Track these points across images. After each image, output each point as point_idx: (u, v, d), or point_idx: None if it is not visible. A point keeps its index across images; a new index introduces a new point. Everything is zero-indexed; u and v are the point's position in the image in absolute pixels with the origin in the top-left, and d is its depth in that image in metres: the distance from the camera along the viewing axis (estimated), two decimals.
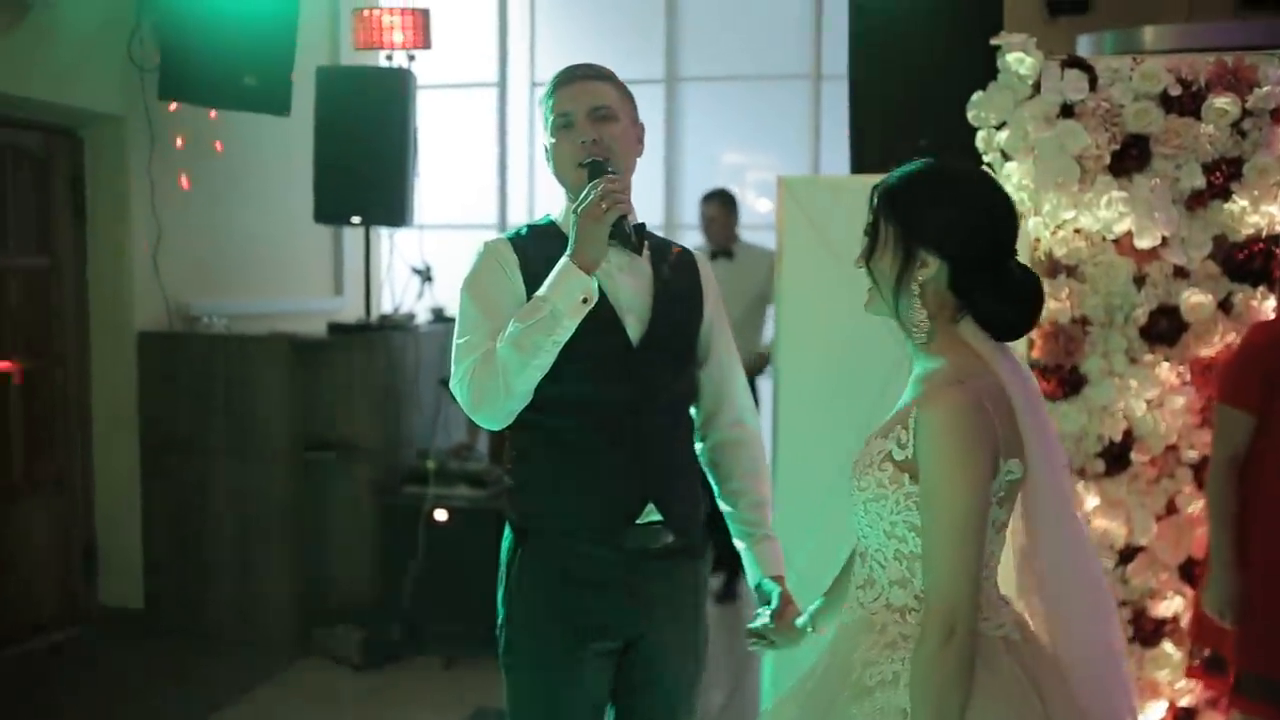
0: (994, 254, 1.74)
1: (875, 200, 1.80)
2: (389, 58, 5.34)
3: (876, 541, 1.77)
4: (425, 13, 5.35)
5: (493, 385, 2.02)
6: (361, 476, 4.98)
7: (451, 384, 2.11)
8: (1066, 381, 3.19)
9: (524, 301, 2.08)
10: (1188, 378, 3.15)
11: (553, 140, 2.17)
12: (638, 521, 2.13)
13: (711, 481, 2.35)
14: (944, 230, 1.72)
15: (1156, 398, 3.15)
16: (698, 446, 2.34)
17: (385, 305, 5.91)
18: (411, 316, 5.49)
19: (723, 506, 2.34)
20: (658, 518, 2.15)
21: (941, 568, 1.65)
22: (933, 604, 1.65)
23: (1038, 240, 3.23)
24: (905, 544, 1.73)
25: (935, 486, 1.65)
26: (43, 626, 4.90)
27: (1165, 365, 3.14)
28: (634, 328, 2.15)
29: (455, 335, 2.14)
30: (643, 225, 2.20)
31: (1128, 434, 3.17)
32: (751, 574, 2.28)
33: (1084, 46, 4.92)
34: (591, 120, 2.14)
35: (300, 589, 4.98)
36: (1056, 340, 3.20)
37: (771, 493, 2.37)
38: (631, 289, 2.17)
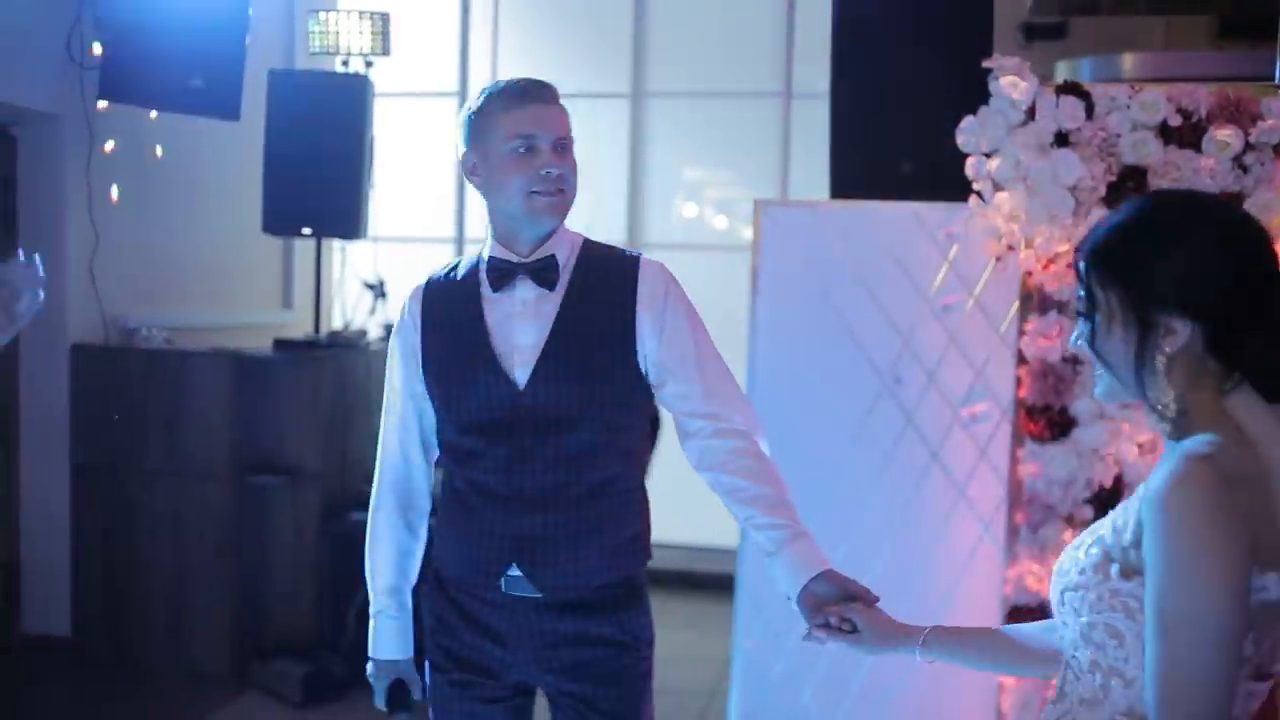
0: (1259, 294, 1.36)
1: (1082, 266, 1.44)
2: (345, 63, 5.13)
3: (1071, 642, 1.43)
4: (385, 17, 5.15)
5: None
6: (306, 501, 4.74)
7: None
8: (1055, 423, 3.05)
9: (417, 357, 2.11)
10: None
11: (500, 159, 2.01)
12: (509, 573, 2.06)
13: (729, 508, 2.05)
14: (1182, 280, 1.35)
15: (1148, 441, 3.01)
16: (704, 477, 2.07)
17: (336, 321, 5.69)
18: (363, 334, 5.27)
19: (744, 527, 2.03)
20: (520, 573, 2.05)
21: (1185, 694, 1.26)
22: None
23: (1028, 274, 3.08)
24: (1104, 653, 1.38)
25: (1178, 590, 1.27)
26: None
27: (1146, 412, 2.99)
28: (521, 372, 2.03)
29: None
30: (553, 258, 2.06)
31: (1118, 479, 3.02)
32: (789, 582, 1.89)
33: (1062, 72, 4.82)
34: (556, 151, 2.01)
35: (239, 620, 4.73)
36: (1045, 380, 3.05)
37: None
38: (533, 326, 2.04)
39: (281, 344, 4.97)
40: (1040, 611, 3.10)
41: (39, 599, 4.85)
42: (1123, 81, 3.76)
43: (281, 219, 4.99)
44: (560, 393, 2.01)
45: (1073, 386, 3.03)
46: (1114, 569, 1.35)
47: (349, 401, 4.94)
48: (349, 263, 5.53)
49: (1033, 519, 3.05)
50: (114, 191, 4.85)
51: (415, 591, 2.20)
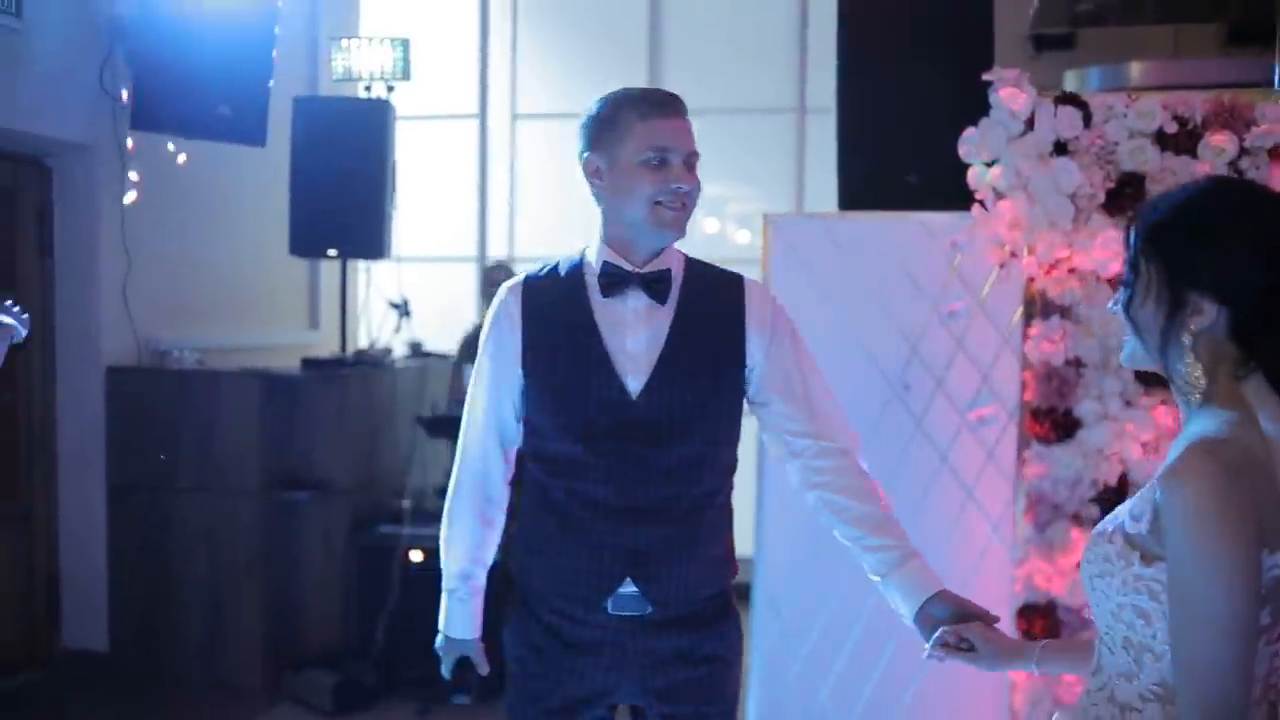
0: None
1: (1133, 235, 1.51)
2: (368, 88, 5.27)
3: (1104, 623, 1.50)
4: (405, 43, 5.28)
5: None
6: (335, 516, 4.85)
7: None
8: (1060, 425, 3.12)
9: (516, 356, 2.07)
10: None
11: (630, 168, 1.98)
12: (620, 590, 2.02)
13: (834, 527, 2.07)
14: (1219, 269, 1.42)
15: (1152, 441, 3.07)
16: (807, 497, 2.10)
17: (361, 340, 5.80)
18: (388, 351, 5.39)
19: (849, 545, 2.05)
20: (634, 590, 2.02)
21: (1203, 673, 1.34)
22: (1194, 714, 1.36)
23: (1031, 280, 3.16)
24: (1134, 631, 1.45)
25: (1190, 577, 1.35)
26: (2, 669, 4.74)
27: (1162, 408, 3.06)
28: (635, 380, 2.00)
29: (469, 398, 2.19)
30: (667, 271, 2.05)
31: (1123, 478, 3.09)
32: (904, 605, 1.94)
33: (1070, 82, 4.90)
34: (686, 166, 2.00)
35: (270, 632, 4.83)
36: (1050, 382, 3.12)
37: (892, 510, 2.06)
38: (646, 335, 2.02)
39: (309, 363, 5.09)
40: (1050, 609, 3.16)
41: (78, 615, 4.97)
42: (1130, 89, 3.84)
43: (308, 241, 5.12)
44: (672, 403, 2.00)
45: (1076, 389, 3.10)
46: (1136, 556, 1.42)
47: (376, 418, 5.05)
48: (374, 283, 5.65)
49: (1040, 519, 3.12)
50: (145, 218, 4.98)
51: (490, 575, 2.23)
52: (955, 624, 1.82)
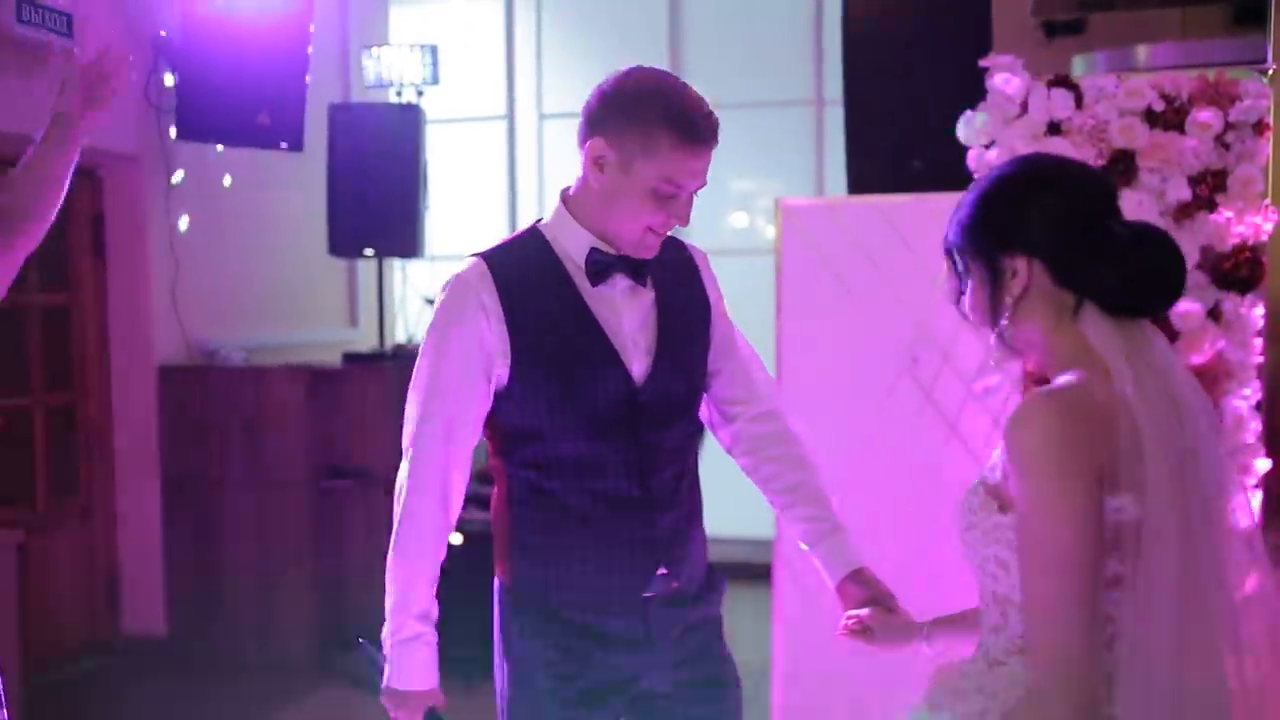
0: (1079, 220, 1.44)
1: (945, 243, 1.57)
2: (398, 94, 5.47)
3: (978, 578, 1.50)
4: (434, 49, 5.48)
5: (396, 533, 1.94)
6: (376, 501, 5.04)
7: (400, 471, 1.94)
8: None
9: (503, 351, 1.87)
10: None
11: (639, 188, 1.84)
12: (656, 575, 1.96)
13: (761, 489, 2.10)
14: (1016, 222, 1.46)
15: None
16: (739, 460, 2.10)
17: (399, 335, 6.00)
18: None
19: (777, 510, 2.10)
20: (664, 571, 1.97)
21: (1044, 615, 1.34)
22: (1037, 659, 1.34)
23: None
24: (998, 583, 1.45)
25: (1029, 515, 1.35)
26: (68, 656, 4.98)
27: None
28: (639, 365, 1.92)
29: (411, 394, 1.94)
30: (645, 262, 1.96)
31: None
32: (829, 577, 2.01)
33: (1078, 67, 5.02)
34: (689, 199, 1.90)
35: (320, 614, 5.05)
36: None
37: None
38: (639, 317, 1.95)
39: (350, 357, 5.30)
40: None
41: (136, 602, 5.21)
42: (1137, 71, 3.97)
43: (345, 242, 5.32)
44: (673, 385, 1.95)
45: None
46: (994, 505, 1.43)
47: None
48: (409, 280, 5.84)
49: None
50: (191, 224, 5.21)
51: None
52: (860, 606, 1.92)
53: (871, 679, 3.58)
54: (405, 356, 5.33)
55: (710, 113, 1.87)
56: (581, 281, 1.91)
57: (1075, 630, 1.32)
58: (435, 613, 1.94)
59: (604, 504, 1.91)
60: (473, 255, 1.95)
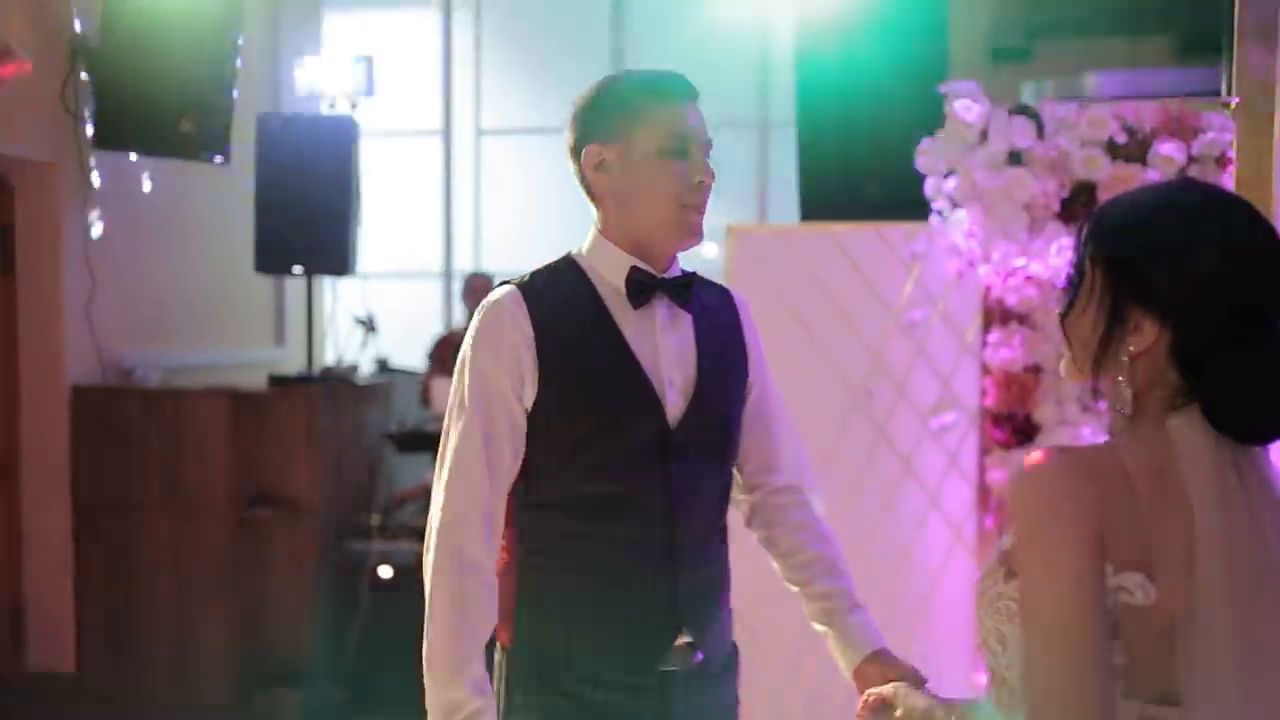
0: (1241, 320, 1.23)
1: (1085, 232, 1.34)
2: (332, 105, 5.28)
3: (985, 658, 1.36)
4: (369, 60, 5.30)
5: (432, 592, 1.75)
6: (302, 533, 4.85)
7: (431, 518, 1.77)
8: (1020, 430, 3.18)
9: (533, 379, 1.74)
10: None
11: (648, 161, 1.75)
12: (676, 643, 1.80)
13: (778, 565, 1.95)
14: (1168, 287, 1.25)
15: None
16: (757, 533, 1.97)
17: (328, 356, 5.80)
18: (355, 368, 5.39)
19: (791, 587, 1.93)
20: (688, 639, 1.80)
21: (1041, 688, 1.20)
22: None
23: (988, 288, 3.22)
24: (995, 660, 1.31)
25: (1025, 576, 1.23)
26: None
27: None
28: (674, 405, 1.77)
29: (447, 432, 1.78)
30: (691, 274, 1.83)
31: None
32: (845, 661, 1.82)
33: (1026, 93, 4.98)
34: (705, 154, 1.79)
35: (239, 650, 4.82)
36: (1009, 389, 3.18)
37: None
38: (676, 352, 1.79)
39: (276, 380, 5.09)
40: None
41: (43, 636, 4.93)
42: (1084, 100, 3.92)
43: (273, 258, 5.12)
44: (708, 423, 1.81)
45: (1035, 394, 3.16)
46: (1002, 573, 1.30)
47: (343, 434, 5.05)
48: (339, 299, 5.65)
49: (1002, 523, 3.17)
50: (108, 236, 4.97)
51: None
52: (882, 684, 1.69)
53: None
54: (334, 379, 5.12)
55: (680, 74, 1.82)
56: (620, 313, 1.79)
57: (1076, 702, 1.18)
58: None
59: (625, 552, 1.76)
60: (504, 283, 1.84)
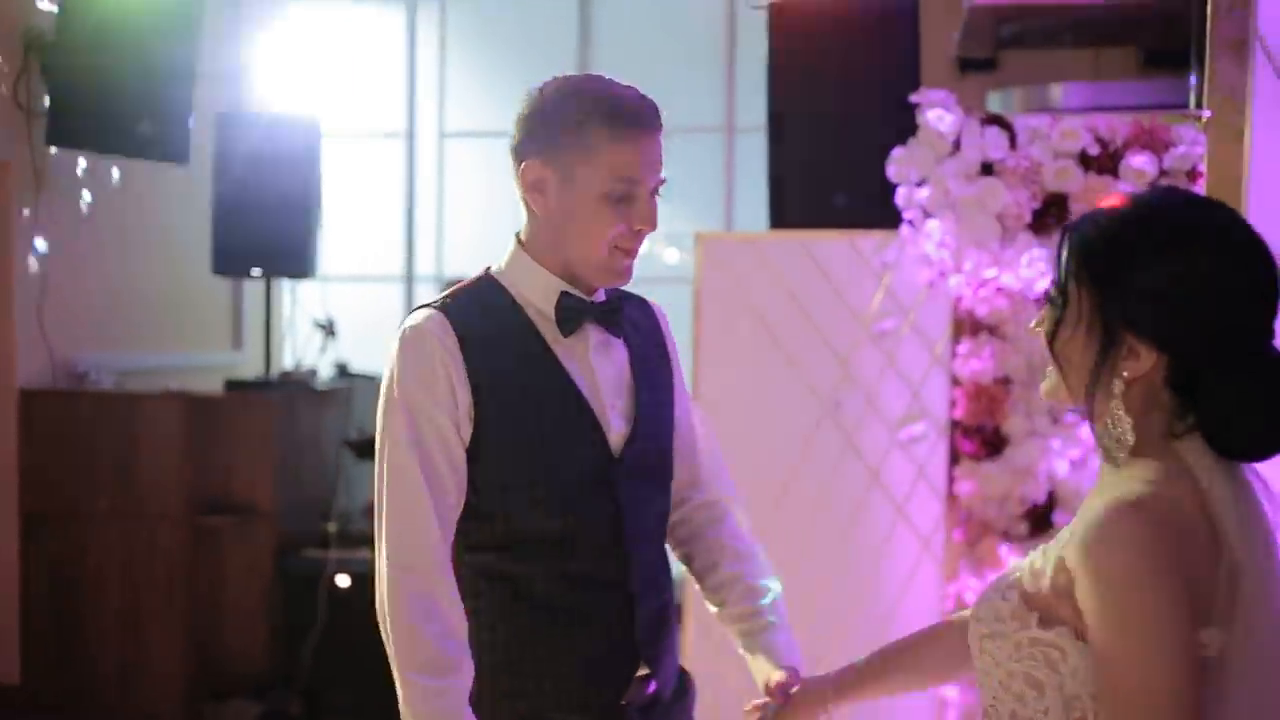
0: (1241, 339, 1.20)
1: (1064, 249, 1.29)
2: (292, 106, 5.20)
3: (991, 692, 1.31)
4: (331, 61, 5.23)
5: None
6: (258, 541, 4.75)
7: (379, 584, 1.65)
8: (989, 442, 3.15)
9: (467, 411, 1.62)
10: None
11: (590, 199, 1.65)
12: (635, 677, 1.74)
13: (694, 578, 1.89)
14: (1163, 311, 1.20)
15: (1080, 457, 3.12)
16: (675, 550, 1.91)
17: (287, 361, 5.70)
18: (314, 373, 5.30)
19: (710, 607, 1.87)
20: (645, 671, 1.75)
21: None
22: None
23: (959, 299, 3.19)
24: (1024, 705, 1.26)
25: (1121, 656, 1.16)
26: None
27: (1088, 425, 3.11)
28: (617, 432, 1.70)
29: (379, 483, 1.66)
30: (620, 300, 1.76)
31: (1051, 495, 3.13)
32: (759, 676, 1.76)
33: (994, 103, 4.98)
34: (651, 197, 1.69)
35: (192, 661, 4.72)
36: (979, 400, 3.16)
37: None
38: (613, 376, 1.72)
39: (233, 384, 4.99)
40: None
41: None
42: (1051, 111, 3.91)
43: (231, 260, 5.03)
44: (648, 450, 1.75)
45: (1004, 406, 3.14)
46: (1034, 618, 1.25)
47: (301, 440, 4.96)
48: (299, 303, 5.56)
49: (970, 535, 3.15)
50: (61, 236, 4.86)
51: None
52: (777, 688, 1.69)
53: None
54: (292, 385, 5.03)
55: (644, 96, 1.71)
56: (550, 334, 1.70)
57: None
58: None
59: (579, 590, 1.68)
60: (421, 306, 1.71)
